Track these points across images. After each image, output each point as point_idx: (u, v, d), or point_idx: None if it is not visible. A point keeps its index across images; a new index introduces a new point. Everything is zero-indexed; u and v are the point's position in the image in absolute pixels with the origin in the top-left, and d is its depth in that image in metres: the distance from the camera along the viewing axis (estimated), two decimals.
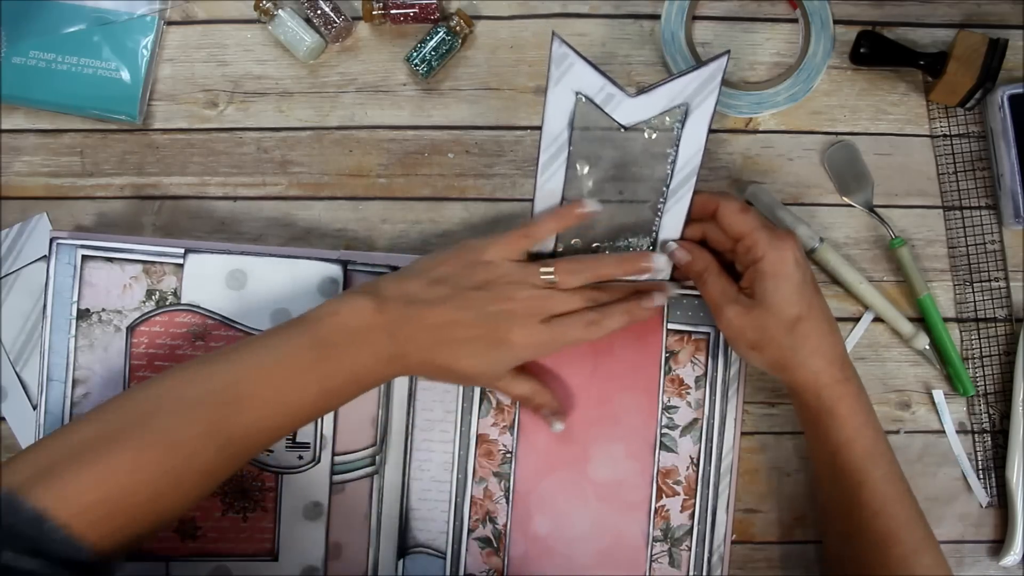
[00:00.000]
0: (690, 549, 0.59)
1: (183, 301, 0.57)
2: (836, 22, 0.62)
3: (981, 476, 0.62)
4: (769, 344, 0.53)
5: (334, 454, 0.58)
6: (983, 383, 0.62)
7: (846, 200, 0.62)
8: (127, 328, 0.57)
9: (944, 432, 0.62)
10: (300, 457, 0.58)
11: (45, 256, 0.60)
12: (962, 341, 0.62)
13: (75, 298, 0.57)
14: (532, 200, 0.55)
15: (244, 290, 0.57)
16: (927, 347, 0.61)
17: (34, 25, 0.61)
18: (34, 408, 0.59)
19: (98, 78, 0.61)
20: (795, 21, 0.63)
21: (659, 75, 0.63)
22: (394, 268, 0.58)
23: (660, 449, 0.59)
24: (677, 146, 0.54)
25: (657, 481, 0.59)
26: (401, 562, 0.59)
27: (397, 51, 0.63)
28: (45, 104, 0.62)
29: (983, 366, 0.62)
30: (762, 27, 0.63)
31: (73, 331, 0.57)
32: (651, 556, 0.59)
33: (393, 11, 0.61)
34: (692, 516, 0.59)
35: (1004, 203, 0.61)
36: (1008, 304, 0.62)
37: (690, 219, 0.56)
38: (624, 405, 0.59)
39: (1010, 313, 0.62)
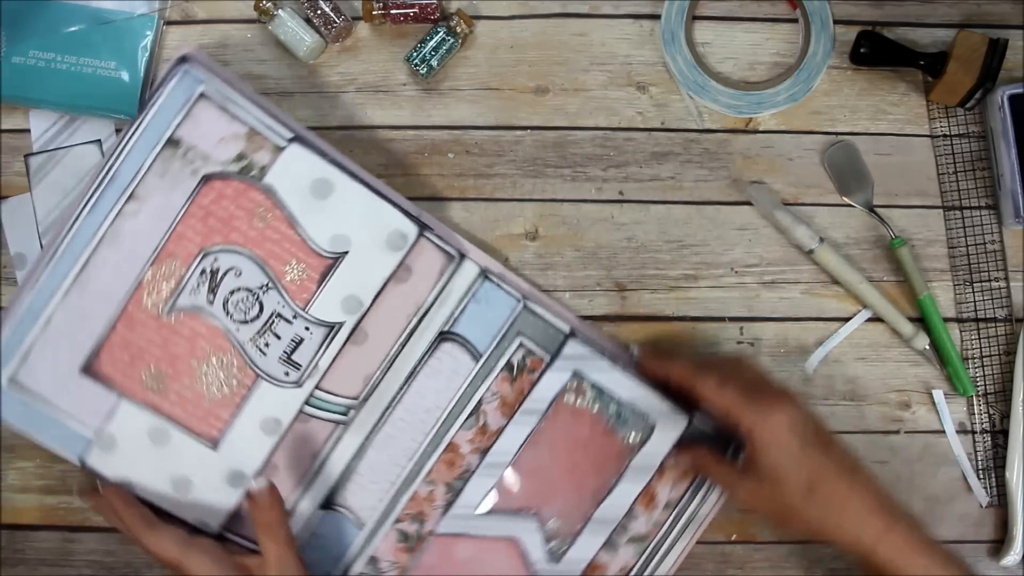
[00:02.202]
0: None
1: (265, 180, 0.57)
2: (836, 22, 0.62)
3: (981, 476, 0.62)
4: (793, 517, 0.51)
5: (317, 387, 0.58)
6: (983, 383, 0.62)
7: (846, 200, 0.62)
8: (203, 176, 0.56)
9: (944, 432, 0.62)
10: (287, 373, 0.58)
11: (98, 140, 0.61)
12: (962, 341, 0.62)
13: (174, 124, 0.56)
14: None
15: (322, 201, 0.57)
16: (927, 347, 0.61)
17: (34, 25, 0.61)
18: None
19: (98, 78, 0.61)
20: (795, 21, 0.63)
21: (659, 75, 0.63)
22: (462, 255, 0.58)
23: (605, 545, 0.59)
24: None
25: (586, 570, 0.59)
26: (320, 513, 0.59)
27: (397, 51, 0.63)
28: (45, 104, 0.62)
29: (983, 366, 0.62)
30: (762, 27, 0.63)
31: (156, 152, 0.56)
32: None
33: (393, 11, 0.61)
34: None
35: (1004, 203, 0.61)
36: (1008, 304, 0.62)
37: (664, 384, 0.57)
38: (593, 487, 0.59)
39: (1010, 313, 0.62)
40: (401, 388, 0.59)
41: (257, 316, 0.57)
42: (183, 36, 0.63)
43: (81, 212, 0.56)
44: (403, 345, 0.59)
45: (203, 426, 0.58)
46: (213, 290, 0.57)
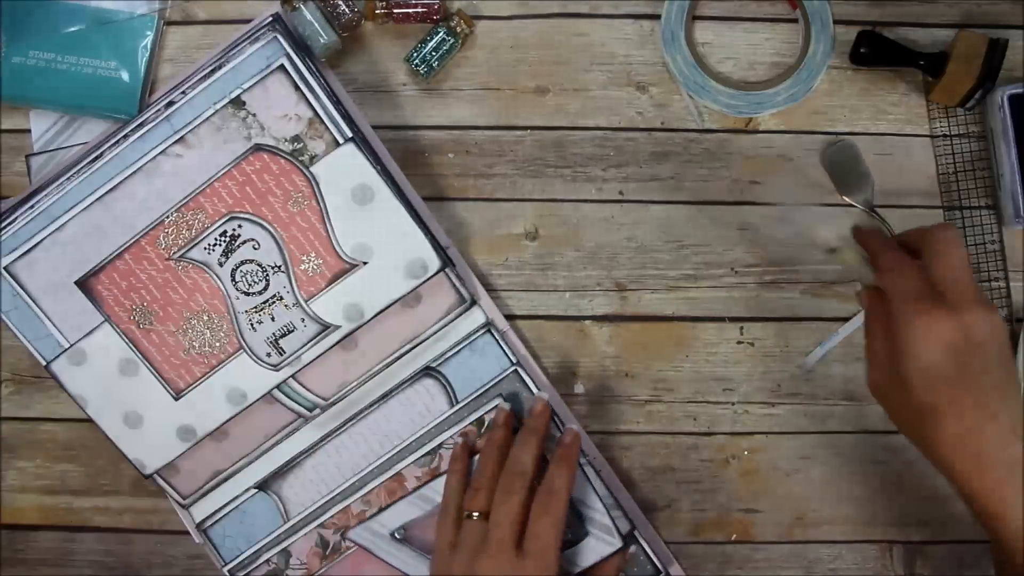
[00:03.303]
0: None
1: (311, 169, 0.57)
2: (836, 22, 0.62)
3: None
4: (906, 427, 0.47)
5: (293, 376, 0.59)
6: None
7: (846, 200, 0.62)
8: (255, 144, 0.57)
9: None
10: (269, 355, 0.58)
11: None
12: None
13: (244, 86, 0.56)
14: None
15: (359, 207, 0.57)
16: None
17: (34, 25, 0.61)
18: None
19: (98, 78, 0.61)
20: (795, 21, 0.63)
21: (659, 75, 0.63)
22: (473, 300, 0.58)
23: None
24: None
25: None
26: (254, 491, 0.60)
27: (397, 51, 0.63)
28: (45, 104, 0.62)
29: None
30: (762, 27, 0.63)
31: (218, 107, 0.56)
32: None
33: (396, 10, 0.61)
34: None
35: (1004, 203, 0.61)
36: (1008, 304, 0.62)
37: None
38: None
39: (1010, 313, 0.62)
40: (372, 405, 0.60)
41: (260, 292, 0.58)
42: (183, 36, 0.63)
43: (128, 137, 0.57)
44: (388, 366, 0.59)
45: (172, 374, 0.58)
46: (227, 254, 0.57)
